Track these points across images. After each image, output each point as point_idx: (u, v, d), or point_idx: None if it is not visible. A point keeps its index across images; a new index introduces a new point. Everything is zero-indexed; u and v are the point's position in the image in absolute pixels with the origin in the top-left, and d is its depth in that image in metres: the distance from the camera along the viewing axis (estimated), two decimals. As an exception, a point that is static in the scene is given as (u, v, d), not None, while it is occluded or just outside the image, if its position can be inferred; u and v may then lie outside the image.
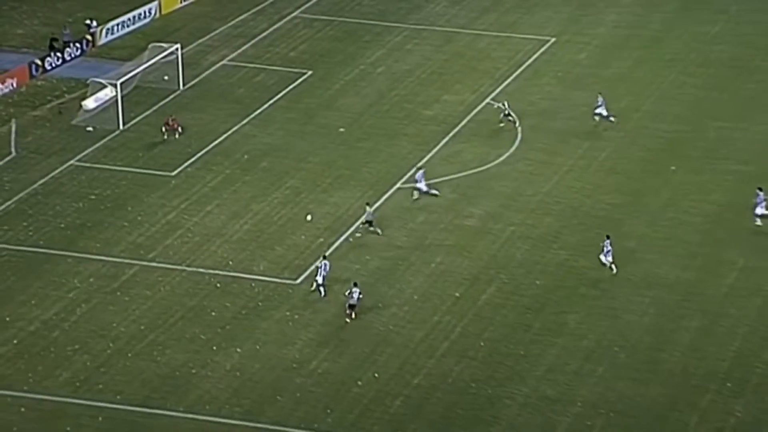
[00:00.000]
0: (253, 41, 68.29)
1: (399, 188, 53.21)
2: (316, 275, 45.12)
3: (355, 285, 44.51)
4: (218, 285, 46.44)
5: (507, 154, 56.10)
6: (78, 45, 65.68)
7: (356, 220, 50.39)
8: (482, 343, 43.29)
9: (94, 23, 67.46)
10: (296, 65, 65.32)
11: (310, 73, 64.46)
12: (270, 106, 60.82)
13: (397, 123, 59.19)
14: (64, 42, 65.12)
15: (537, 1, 73.51)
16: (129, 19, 69.21)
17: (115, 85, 58.55)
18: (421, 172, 52.02)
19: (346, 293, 44.44)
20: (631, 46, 67.71)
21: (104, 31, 67.71)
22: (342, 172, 54.54)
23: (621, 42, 68.18)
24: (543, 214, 51.24)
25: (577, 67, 65.14)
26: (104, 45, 67.45)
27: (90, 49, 66.65)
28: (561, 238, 49.37)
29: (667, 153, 55.86)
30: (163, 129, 57.20)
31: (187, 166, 54.62)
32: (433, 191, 51.71)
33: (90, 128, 58.15)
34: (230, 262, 47.85)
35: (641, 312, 44.84)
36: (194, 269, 47.31)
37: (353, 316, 44.17)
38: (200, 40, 68.17)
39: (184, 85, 62.37)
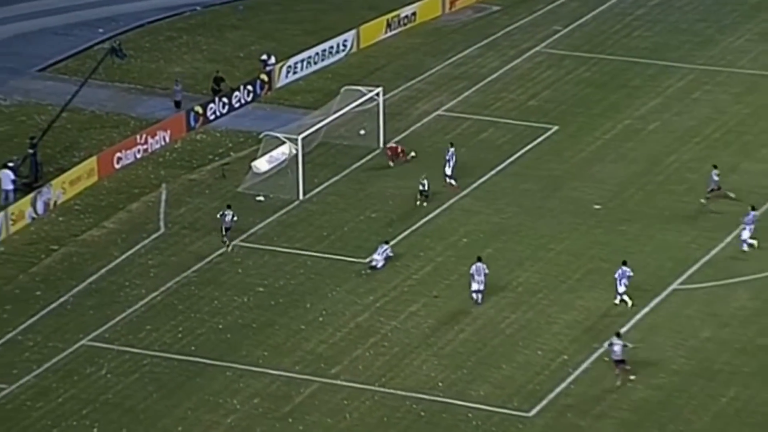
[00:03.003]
0: (479, 85, 69.14)
1: (676, 290, 52.50)
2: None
3: None
4: (422, 413, 46.68)
5: (832, 246, 54.83)
6: (249, 88, 68.12)
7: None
8: None
9: (272, 59, 69.83)
10: (537, 118, 65.68)
11: (555, 128, 64.70)
12: (499, 172, 61.26)
13: (676, 200, 58.58)
14: (176, 101, 66.60)
15: None
16: (317, 54, 71.31)
17: (295, 141, 60.30)
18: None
19: None
20: None
21: (284, 70, 69.98)
22: (596, 265, 54.24)
23: None
24: None
25: None
26: (283, 87, 69.67)
27: (265, 93, 68.98)
28: None
29: None
30: (393, 155, 60.60)
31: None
32: None
33: (261, 197, 59.94)
34: (440, 384, 48.09)
35: None
36: (391, 391, 47.70)
37: None
38: (409, 83, 69.53)
39: (385, 142, 63.64)
